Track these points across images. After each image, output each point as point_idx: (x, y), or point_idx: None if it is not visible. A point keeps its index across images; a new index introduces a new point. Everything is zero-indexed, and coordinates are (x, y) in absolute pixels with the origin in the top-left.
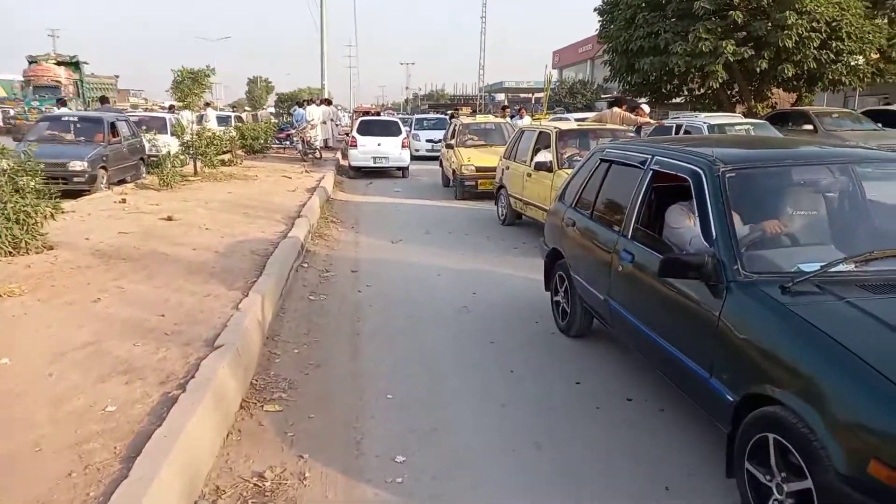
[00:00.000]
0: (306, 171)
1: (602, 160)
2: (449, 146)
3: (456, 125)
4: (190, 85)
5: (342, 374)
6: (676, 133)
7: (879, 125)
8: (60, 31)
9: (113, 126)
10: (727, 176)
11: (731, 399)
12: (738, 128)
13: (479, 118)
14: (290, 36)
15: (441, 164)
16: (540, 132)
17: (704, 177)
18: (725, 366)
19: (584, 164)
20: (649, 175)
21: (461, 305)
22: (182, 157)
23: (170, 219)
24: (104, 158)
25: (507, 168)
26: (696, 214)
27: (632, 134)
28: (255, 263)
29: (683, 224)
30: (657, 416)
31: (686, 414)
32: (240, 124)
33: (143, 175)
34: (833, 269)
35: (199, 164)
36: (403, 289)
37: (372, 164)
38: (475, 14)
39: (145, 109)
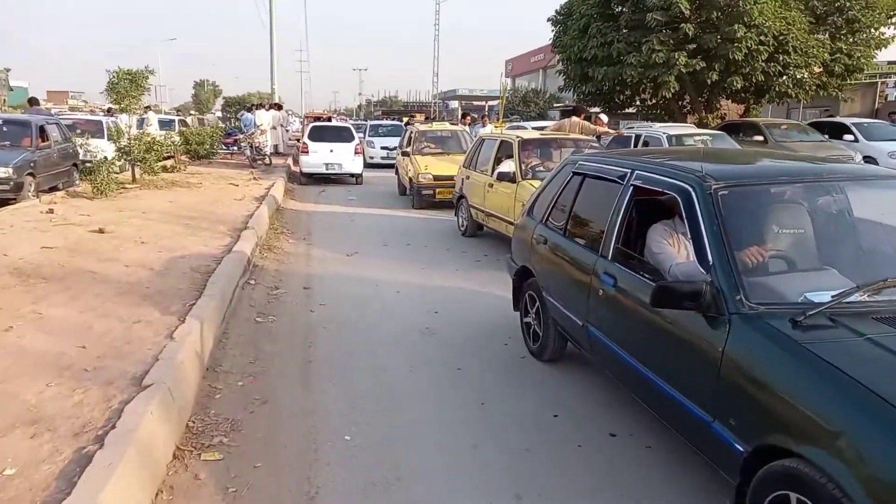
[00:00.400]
0: (255, 179)
1: (575, 173)
2: (405, 154)
3: (412, 132)
4: (127, 87)
5: (292, 411)
6: (636, 143)
7: (826, 136)
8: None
9: (42, 130)
10: (720, 193)
11: (741, 450)
12: (696, 138)
13: (436, 125)
14: (238, 39)
15: (397, 172)
16: (501, 141)
17: (695, 194)
18: (731, 410)
19: (555, 176)
20: (630, 191)
21: (423, 327)
22: (119, 163)
23: (101, 231)
24: (32, 165)
25: (468, 178)
26: (686, 235)
27: (595, 144)
28: (194, 282)
29: (665, 246)
30: (645, 454)
31: (676, 451)
32: (184, 128)
33: (77, 182)
34: (846, 300)
35: (137, 170)
36: (360, 308)
37: (324, 171)
38: (429, 21)
39: (87, 112)
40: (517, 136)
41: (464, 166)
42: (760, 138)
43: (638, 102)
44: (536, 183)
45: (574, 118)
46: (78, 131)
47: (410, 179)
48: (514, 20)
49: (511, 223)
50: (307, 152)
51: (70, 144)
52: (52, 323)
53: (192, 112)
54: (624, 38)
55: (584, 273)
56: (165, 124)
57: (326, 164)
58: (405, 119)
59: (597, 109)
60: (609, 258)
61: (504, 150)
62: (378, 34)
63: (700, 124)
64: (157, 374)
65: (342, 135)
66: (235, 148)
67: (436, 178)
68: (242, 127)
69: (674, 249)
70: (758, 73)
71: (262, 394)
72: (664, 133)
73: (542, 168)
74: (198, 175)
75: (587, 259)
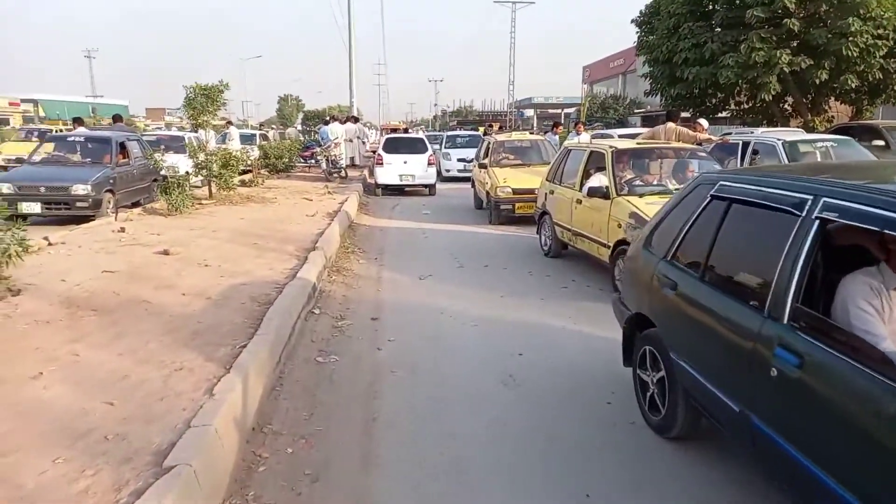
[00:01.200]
0: (329, 193)
1: (715, 197)
2: (482, 166)
3: (489, 143)
4: (203, 102)
5: (347, 493)
6: (743, 152)
7: None
8: (97, 51)
9: (122, 146)
10: None
11: None
12: (818, 145)
13: (515, 135)
14: (321, 55)
15: (473, 185)
16: (591, 152)
17: None
18: None
19: (683, 199)
20: (814, 227)
21: (506, 374)
22: (194, 178)
23: (166, 253)
24: (111, 181)
25: (552, 192)
26: None
27: (703, 154)
28: (251, 316)
29: (872, 321)
30: None
31: None
32: (264, 143)
33: (157, 198)
34: None
35: (213, 186)
36: (432, 346)
37: (398, 182)
38: (503, 30)
39: (179, 128)
40: (610, 146)
41: (547, 179)
42: (880, 143)
43: (733, 105)
44: (634, 200)
45: (670, 124)
46: (162, 147)
47: (488, 193)
48: (590, 25)
49: (604, 245)
50: (382, 164)
51: (151, 160)
52: (87, 369)
53: (273, 126)
54: (719, 38)
55: (743, 339)
56: (247, 138)
57: (401, 176)
58: (481, 129)
59: (686, 114)
60: (784, 322)
61: (594, 162)
62: (453, 45)
63: (806, 128)
64: (184, 450)
65: (416, 146)
66: (313, 161)
67: (515, 191)
68: (320, 140)
69: (880, 320)
70: (874, 70)
71: (313, 466)
72: (779, 140)
73: (639, 182)
74: (274, 189)
75: (749, 321)
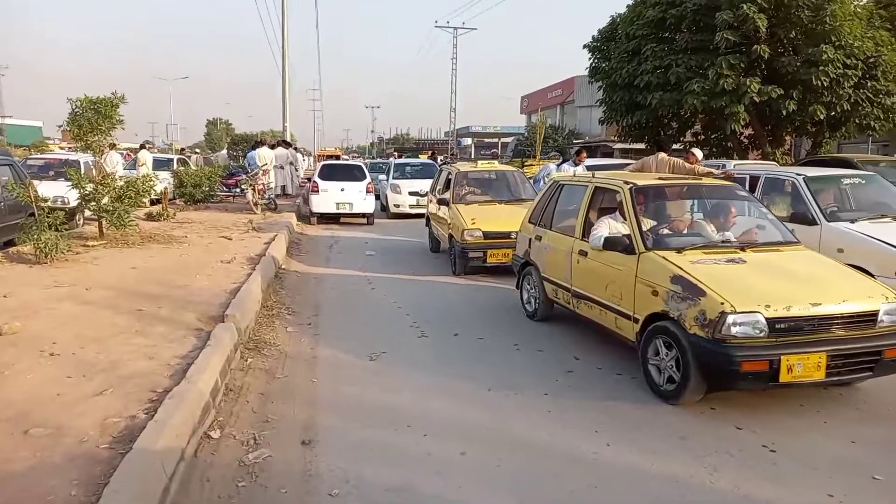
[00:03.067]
0: (254, 229)
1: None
2: (442, 202)
3: (450, 174)
4: (93, 118)
5: None
6: (752, 187)
7: None
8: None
9: None
10: None
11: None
12: (845, 182)
13: (482, 164)
14: (253, 78)
15: (428, 223)
16: (597, 188)
17: None
18: None
19: None
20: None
21: None
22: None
23: None
24: None
25: (539, 239)
26: None
27: (744, 193)
28: (90, 476)
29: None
30: None
31: None
32: (180, 168)
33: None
34: None
35: (104, 223)
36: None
37: (335, 210)
38: (439, 59)
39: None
40: (626, 182)
41: (530, 222)
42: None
43: (689, 136)
44: (672, 256)
45: (662, 155)
46: (52, 173)
47: (451, 236)
48: (526, 56)
49: (627, 316)
50: (317, 191)
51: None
52: None
53: (198, 150)
54: (684, 62)
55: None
56: (162, 164)
57: (337, 204)
58: (424, 155)
59: (640, 146)
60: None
61: (598, 201)
62: (390, 72)
63: (765, 159)
64: None
65: (353, 173)
66: (237, 190)
67: (487, 235)
68: (246, 166)
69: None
70: (843, 101)
71: None
72: (798, 175)
73: (669, 231)
74: (187, 224)
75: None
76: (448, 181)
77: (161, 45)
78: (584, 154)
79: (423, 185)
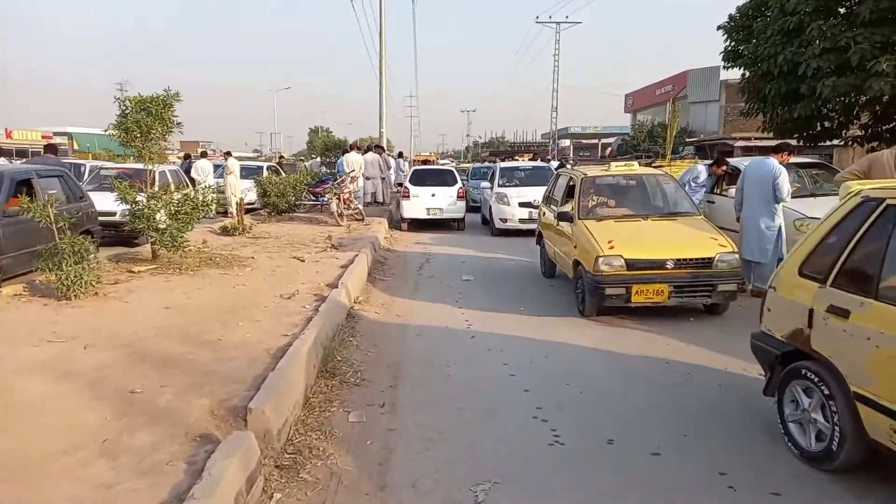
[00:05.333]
0: (332, 248)
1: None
2: (564, 217)
3: (572, 179)
4: (142, 121)
5: None
6: None
7: None
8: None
9: (22, 185)
10: None
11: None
12: None
13: (618, 167)
14: (353, 86)
15: (539, 241)
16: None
17: None
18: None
19: None
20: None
21: None
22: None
23: None
24: None
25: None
26: None
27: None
28: None
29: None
30: None
31: None
32: (262, 177)
33: (90, 257)
34: None
35: (157, 244)
36: None
37: (425, 216)
38: (534, 59)
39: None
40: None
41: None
42: None
43: (856, 130)
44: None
45: (888, 152)
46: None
47: (577, 263)
48: (625, 54)
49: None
50: (408, 197)
51: (79, 205)
52: None
53: (302, 158)
54: (866, 38)
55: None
56: (252, 171)
57: (428, 209)
58: (559, 161)
59: (791, 141)
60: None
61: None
62: (485, 74)
63: None
64: None
65: (444, 178)
66: (325, 198)
67: (631, 264)
68: (337, 172)
69: None
70: None
71: None
72: None
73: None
74: (261, 240)
75: None
76: (570, 189)
77: (265, 58)
78: (788, 155)
79: (537, 193)
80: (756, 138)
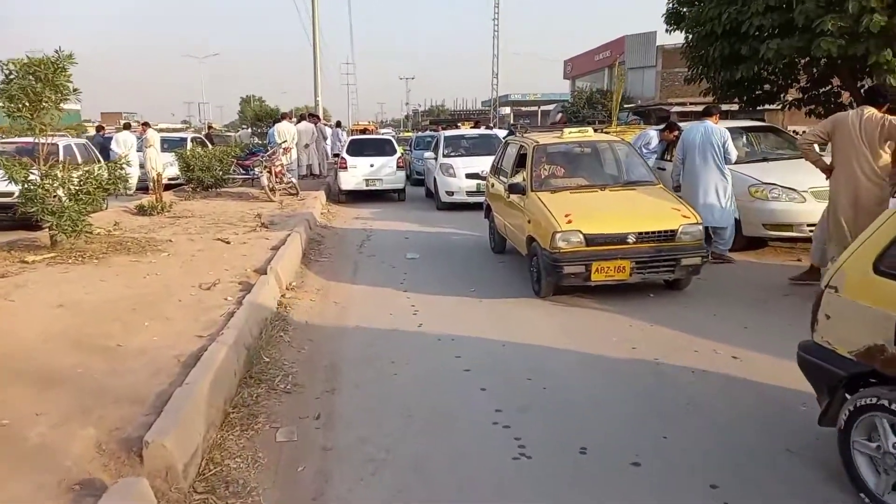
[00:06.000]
0: (262, 227)
1: None
2: (515, 189)
3: (523, 147)
4: (33, 87)
5: None
6: None
7: None
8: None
9: None
10: None
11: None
12: None
13: (571, 133)
14: (285, 53)
15: (487, 214)
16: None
17: None
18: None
19: None
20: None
21: None
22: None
23: None
24: None
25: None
26: None
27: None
28: None
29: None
30: None
31: None
32: (186, 150)
33: None
34: None
35: (53, 229)
36: None
37: (364, 187)
38: (473, 27)
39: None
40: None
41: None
42: None
43: (795, 93)
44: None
45: (870, 110)
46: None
47: (531, 239)
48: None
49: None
50: (346, 168)
51: None
52: None
53: (216, 127)
54: None
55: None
56: (175, 144)
57: (367, 180)
58: (509, 125)
59: (730, 106)
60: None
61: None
62: (424, 41)
63: None
64: None
65: (383, 148)
66: (255, 172)
67: (590, 240)
68: (268, 144)
69: None
70: None
71: None
72: None
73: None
74: (183, 219)
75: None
76: (521, 158)
77: (190, 23)
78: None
79: (485, 164)
80: (692, 103)
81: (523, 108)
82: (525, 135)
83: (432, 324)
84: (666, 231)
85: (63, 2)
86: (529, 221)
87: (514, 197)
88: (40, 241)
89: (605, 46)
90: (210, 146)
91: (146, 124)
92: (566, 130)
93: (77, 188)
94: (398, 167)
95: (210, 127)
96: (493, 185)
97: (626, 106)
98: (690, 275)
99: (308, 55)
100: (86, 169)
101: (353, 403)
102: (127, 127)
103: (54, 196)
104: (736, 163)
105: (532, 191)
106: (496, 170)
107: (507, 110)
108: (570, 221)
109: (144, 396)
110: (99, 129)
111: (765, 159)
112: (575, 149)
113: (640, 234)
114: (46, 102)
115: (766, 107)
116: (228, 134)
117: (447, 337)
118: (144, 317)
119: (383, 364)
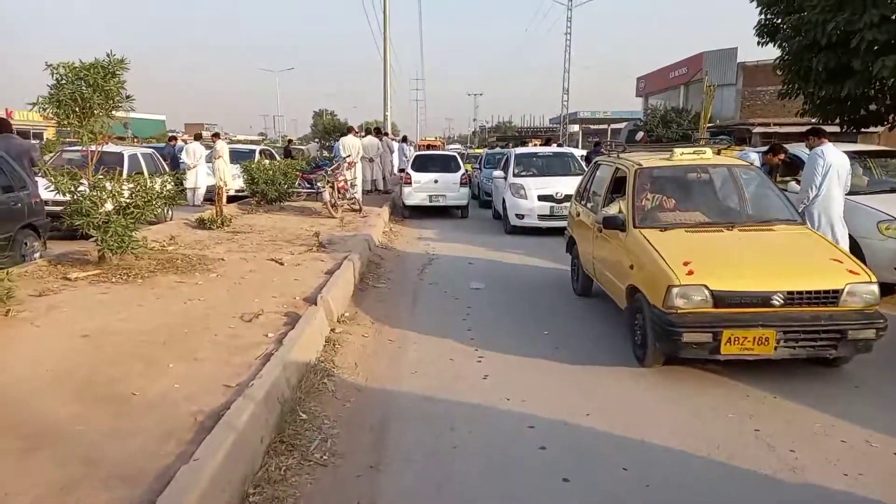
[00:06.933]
0: (320, 245)
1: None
2: (612, 223)
3: (619, 171)
4: (80, 94)
5: None
6: None
7: None
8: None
9: None
10: None
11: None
12: None
13: (682, 154)
14: (358, 70)
15: (571, 247)
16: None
17: None
18: None
19: None
20: None
21: None
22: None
23: None
24: None
25: None
26: None
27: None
28: None
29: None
30: None
31: None
32: (254, 163)
33: (35, 256)
34: None
35: (101, 244)
36: None
37: (428, 203)
38: (540, 43)
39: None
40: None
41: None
42: None
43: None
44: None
45: None
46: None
47: (633, 289)
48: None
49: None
50: (410, 183)
51: (17, 195)
52: None
53: (294, 140)
54: None
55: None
56: (243, 155)
57: (431, 196)
58: (594, 141)
59: (833, 128)
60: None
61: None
62: (492, 58)
63: None
64: None
65: (447, 164)
66: (318, 186)
67: (719, 298)
68: (334, 157)
69: None
70: None
71: None
72: None
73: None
74: (241, 235)
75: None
76: (617, 184)
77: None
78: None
79: (560, 185)
80: (775, 123)
81: (592, 126)
82: (621, 154)
83: (499, 376)
84: (827, 291)
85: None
86: (632, 267)
87: (608, 232)
88: (91, 255)
89: (681, 63)
90: (277, 159)
91: (216, 135)
92: (677, 150)
93: (127, 201)
94: (462, 184)
95: (289, 140)
96: (578, 214)
97: (708, 126)
98: (860, 351)
99: (380, 71)
100: (138, 181)
101: (402, 487)
102: (198, 137)
103: (102, 209)
104: (855, 193)
105: (635, 227)
106: (582, 195)
107: (575, 128)
108: (691, 272)
109: (142, 473)
110: (171, 139)
111: (893, 190)
112: (689, 174)
113: (791, 293)
114: (97, 109)
115: (865, 129)
116: (300, 147)
117: (517, 397)
118: (172, 355)
119: (441, 428)
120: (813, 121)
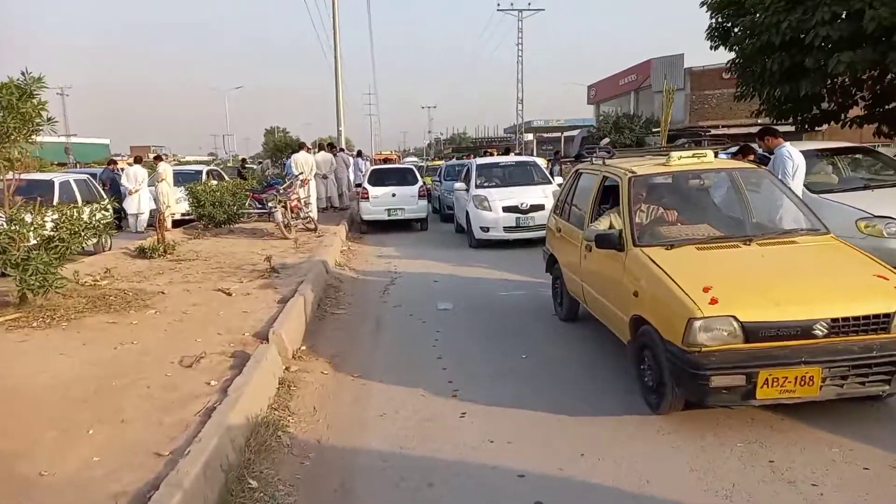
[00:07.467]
0: (270, 272)
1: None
2: (604, 241)
3: (609, 179)
4: None
5: None
6: None
7: None
8: (70, 88)
9: None
10: None
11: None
12: None
13: (681, 158)
14: (310, 86)
15: (552, 266)
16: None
17: None
18: None
19: None
20: None
21: None
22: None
23: None
24: None
25: None
26: None
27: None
28: None
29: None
30: None
31: None
32: (201, 185)
33: None
34: None
35: (20, 285)
36: None
37: (386, 217)
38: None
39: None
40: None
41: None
42: None
43: (859, 110)
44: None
45: None
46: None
47: (639, 320)
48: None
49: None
50: (367, 198)
51: None
52: None
53: (260, 160)
54: (885, 2)
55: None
56: (189, 177)
57: (388, 210)
58: (589, 148)
59: (787, 127)
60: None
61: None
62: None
63: None
64: None
65: (404, 177)
66: (270, 206)
67: (750, 331)
68: (285, 175)
69: None
70: None
71: None
72: None
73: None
74: (185, 263)
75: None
76: (606, 194)
77: (216, 58)
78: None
79: (526, 195)
80: (724, 125)
81: (545, 135)
82: (607, 161)
83: (478, 413)
84: (877, 316)
85: (90, 37)
86: (636, 294)
87: (600, 251)
88: (11, 296)
89: (630, 70)
90: (226, 180)
91: (158, 157)
92: (675, 154)
93: (50, 234)
94: (420, 196)
95: (243, 160)
96: (559, 230)
97: (654, 130)
98: None
99: (332, 87)
100: (63, 211)
101: None
102: (139, 160)
103: (22, 244)
104: (829, 191)
105: (635, 245)
106: (562, 209)
107: (529, 137)
108: (714, 301)
109: None
110: (111, 162)
111: (866, 187)
112: (691, 181)
113: (836, 321)
114: (13, 134)
115: (819, 128)
116: (253, 167)
117: (501, 438)
118: (93, 416)
119: (417, 484)
120: (760, 121)
